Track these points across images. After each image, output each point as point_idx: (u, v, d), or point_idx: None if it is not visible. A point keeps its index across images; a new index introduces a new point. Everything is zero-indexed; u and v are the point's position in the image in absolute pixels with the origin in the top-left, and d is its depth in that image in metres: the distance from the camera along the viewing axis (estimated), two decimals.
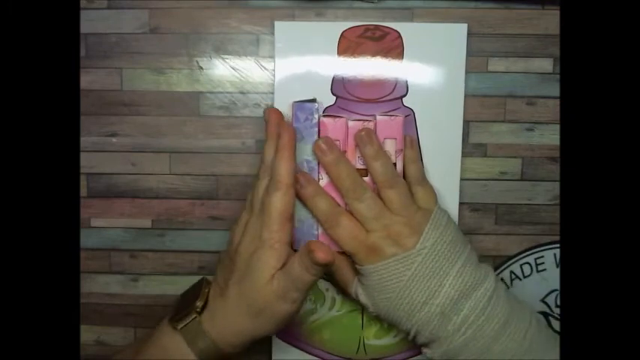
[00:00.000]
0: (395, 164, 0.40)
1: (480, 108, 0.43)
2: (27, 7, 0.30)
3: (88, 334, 0.45)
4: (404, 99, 0.42)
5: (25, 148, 0.29)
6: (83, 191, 0.44)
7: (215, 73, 0.43)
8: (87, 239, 0.44)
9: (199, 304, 0.38)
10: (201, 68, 0.43)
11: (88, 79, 0.43)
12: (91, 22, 0.42)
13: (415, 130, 0.42)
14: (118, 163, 0.44)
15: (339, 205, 0.39)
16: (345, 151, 0.40)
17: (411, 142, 0.41)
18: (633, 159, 0.29)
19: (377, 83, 0.42)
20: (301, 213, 0.41)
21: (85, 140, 0.43)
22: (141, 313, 0.45)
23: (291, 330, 0.44)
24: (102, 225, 0.44)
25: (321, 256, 0.34)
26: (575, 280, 0.30)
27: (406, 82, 0.42)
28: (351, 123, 0.40)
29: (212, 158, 0.43)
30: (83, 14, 0.42)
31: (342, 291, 0.42)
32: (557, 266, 0.44)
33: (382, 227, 0.38)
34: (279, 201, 0.36)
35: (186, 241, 0.44)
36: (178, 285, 0.44)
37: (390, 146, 0.40)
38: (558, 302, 0.44)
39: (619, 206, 0.29)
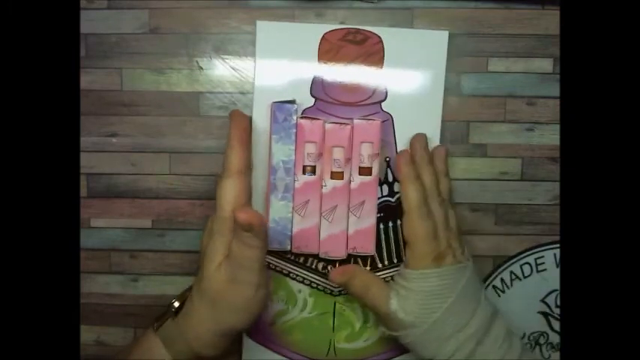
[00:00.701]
0: (370, 168, 0.40)
1: (480, 108, 0.43)
2: (27, 7, 0.30)
3: (88, 334, 0.45)
4: (383, 104, 0.42)
5: (25, 148, 0.29)
6: (83, 191, 0.44)
7: (215, 73, 0.43)
8: (87, 239, 0.44)
9: (176, 304, 0.38)
10: (201, 68, 0.43)
11: (88, 79, 0.43)
12: (91, 22, 0.42)
13: (393, 135, 0.42)
14: (118, 163, 0.44)
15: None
16: (320, 154, 0.40)
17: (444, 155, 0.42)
18: (633, 159, 0.29)
19: (356, 87, 0.42)
20: (276, 213, 0.41)
21: (85, 140, 0.43)
22: (141, 313, 0.45)
23: (261, 330, 0.44)
24: (102, 225, 0.44)
25: (242, 216, 0.33)
26: (575, 280, 0.30)
27: (385, 86, 0.42)
28: (328, 126, 0.40)
29: (212, 158, 0.43)
30: (83, 14, 0.42)
31: (371, 309, 0.41)
32: (557, 266, 0.44)
33: (445, 239, 0.39)
34: (226, 188, 0.37)
35: (186, 241, 0.44)
36: (178, 285, 0.44)
37: (365, 150, 0.40)
38: (558, 302, 0.44)
39: (619, 206, 0.29)
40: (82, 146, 0.43)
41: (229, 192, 0.37)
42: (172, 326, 0.38)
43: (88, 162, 0.44)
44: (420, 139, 0.41)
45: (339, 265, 0.43)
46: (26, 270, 0.29)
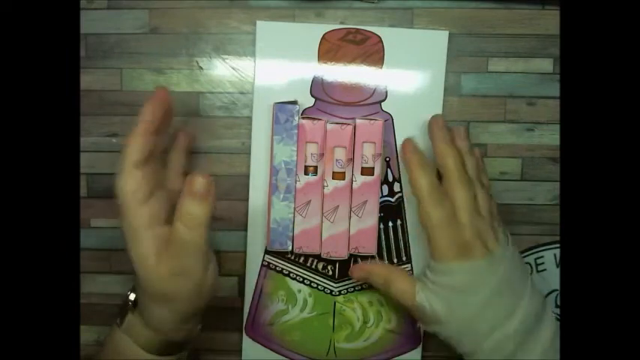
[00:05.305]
0: (372, 168, 0.40)
1: (480, 108, 0.43)
2: (27, 7, 0.29)
3: (88, 334, 0.45)
4: (383, 103, 0.42)
5: (25, 148, 0.29)
6: (83, 191, 0.44)
7: (215, 73, 0.43)
8: (87, 239, 0.44)
9: (132, 297, 0.37)
10: (201, 68, 0.43)
11: (88, 79, 0.43)
12: (91, 22, 0.42)
13: (393, 135, 0.42)
14: (118, 163, 0.44)
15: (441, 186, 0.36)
16: (322, 154, 0.40)
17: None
18: (633, 159, 0.29)
19: (356, 87, 0.42)
20: (278, 214, 0.41)
21: (85, 140, 0.43)
22: None
23: (261, 330, 0.44)
24: (102, 225, 0.44)
25: (199, 180, 0.32)
26: (575, 280, 0.30)
27: (385, 86, 0.42)
28: (329, 126, 0.40)
29: (212, 158, 0.43)
30: (83, 14, 0.42)
31: (396, 304, 0.39)
32: (557, 266, 0.44)
33: (473, 225, 0.35)
34: (124, 183, 0.34)
35: None
36: None
37: (368, 150, 0.40)
38: (558, 302, 0.44)
39: (619, 206, 0.29)
40: (82, 146, 0.43)
41: (127, 187, 0.34)
42: (134, 319, 0.37)
43: (88, 162, 0.44)
44: (436, 120, 0.38)
45: (340, 265, 0.43)
46: (26, 270, 0.28)
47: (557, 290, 0.44)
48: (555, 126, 0.43)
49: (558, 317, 0.44)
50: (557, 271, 0.44)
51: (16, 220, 0.28)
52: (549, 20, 0.42)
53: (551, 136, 0.43)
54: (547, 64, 0.42)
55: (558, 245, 0.44)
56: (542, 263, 0.44)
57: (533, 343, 0.34)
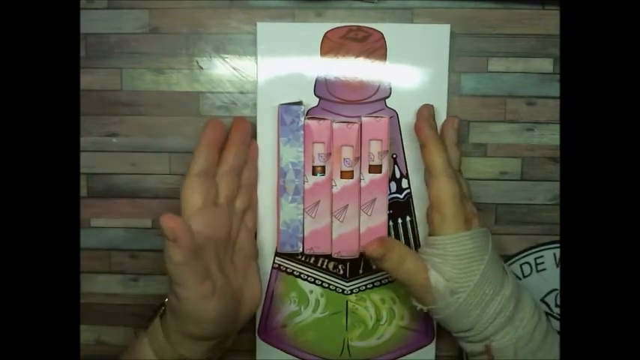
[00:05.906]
0: (380, 166, 0.40)
1: (480, 108, 0.43)
2: (27, 7, 0.30)
3: (88, 334, 0.45)
4: (387, 100, 0.42)
5: (25, 148, 0.29)
6: (83, 191, 0.44)
7: (215, 73, 0.43)
8: (87, 239, 0.44)
9: (164, 305, 0.38)
10: (201, 68, 0.43)
11: (88, 79, 0.43)
12: (91, 22, 0.42)
13: (399, 132, 0.42)
14: (118, 163, 0.44)
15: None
16: (329, 153, 0.40)
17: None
18: (633, 159, 0.29)
19: (360, 84, 0.42)
20: (287, 216, 0.41)
21: (85, 140, 0.43)
22: (141, 313, 0.45)
23: (274, 332, 0.44)
24: (102, 225, 0.44)
25: (167, 222, 0.33)
26: (575, 280, 0.30)
27: (389, 83, 0.42)
28: (336, 125, 0.40)
29: None
30: (83, 14, 0.42)
31: (406, 282, 0.39)
32: (557, 266, 0.44)
33: (467, 203, 0.39)
34: (190, 189, 0.37)
35: None
36: None
37: (375, 148, 0.40)
38: (558, 302, 0.44)
39: (619, 206, 0.29)
40: (82, 146, 0.43)
41: (192, 193, 0.36)
42: (157, 325, 0.38)
43: (88, 162, 0.44)
44: (427, 108, 0.40)
45: (351, 264, 0.43)
46: (26, 270, 0.29)
47: (557, 290, 0.44)
48: (555, 126, 0.43)
49: (558, 317, 0.44)
50: (557, 271, 0.44)
51: (16, 220, 0.29)
52: (549, 20, 0.42)
53: (551, 136, 0.43)
54: (547, 64, 0.42)
55: (558, 245, 0.44)
56: (542, 263, 0.44)
57: (523, 307, 0.37)
